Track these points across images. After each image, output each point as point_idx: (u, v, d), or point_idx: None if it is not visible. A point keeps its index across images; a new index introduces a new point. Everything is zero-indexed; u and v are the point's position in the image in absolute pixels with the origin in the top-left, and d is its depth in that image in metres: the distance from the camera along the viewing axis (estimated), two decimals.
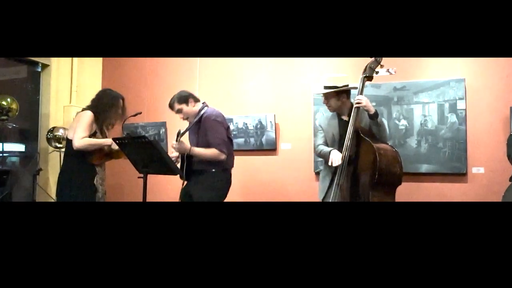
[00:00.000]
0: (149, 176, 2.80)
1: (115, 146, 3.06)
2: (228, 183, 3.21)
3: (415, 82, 3.71)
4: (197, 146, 3.10)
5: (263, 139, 4.23)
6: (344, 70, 3.61)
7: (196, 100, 3.22)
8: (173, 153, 3.15)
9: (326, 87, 3.03)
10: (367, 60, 2.93)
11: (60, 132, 4.44)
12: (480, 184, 3.50)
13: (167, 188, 4.29)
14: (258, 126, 4.25)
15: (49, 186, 4.60)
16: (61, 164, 3.33)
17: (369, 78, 2.94)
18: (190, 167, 3.10)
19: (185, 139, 3.11)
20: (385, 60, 2.92)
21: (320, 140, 3.13)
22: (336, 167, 2.88)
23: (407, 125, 3.71)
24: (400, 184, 2.88)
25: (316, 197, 3.17)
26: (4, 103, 4.12)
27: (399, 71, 3.17)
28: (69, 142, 3.16)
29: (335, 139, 3.04)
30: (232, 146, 3.29)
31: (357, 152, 2.86)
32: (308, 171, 4.05)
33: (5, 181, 4.11)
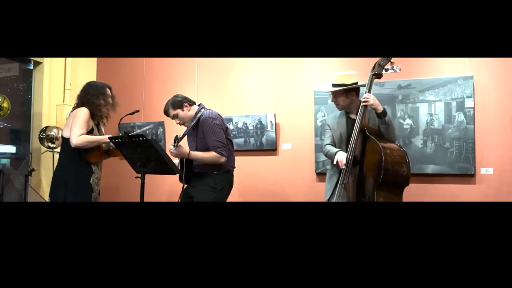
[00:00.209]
0: (146, 176, 2.77)
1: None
2: (230, 185, 3.19)
3: (421, 80, 3.65)
4: (196, 150, 3.08)
5: (263, 139, 4.18)
6: (348, 67, 3.57)
7: (191, 103, 3.19)
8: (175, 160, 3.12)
9: (334, 85, 3.00)
10: (374, 58, 2.89)
11: (53, 132, 4.37)
12: (489, 185, 3.43)
13: (166, 189, 4.29)
14: (258, 126, 4.19)
15: (41, 188, 4.54)
16: (56, 162, 3.29)
17: (378, 75, 2.91)
18: (190, 171, 3.07)
19: (184, 143, 3.09)
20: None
21: (327, 140, 3.12)
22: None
23: (413, 124, 3.66)
24: (407, 185, 2.82)
25: (318, 198, 3.17)
26: None
27: (404, 68, 3.11)
28: (65, 140, 3.11)
29: (343, 138, 3.02)
30: (232, 147, 3.27)
31: (363, 152, 2.82)
32: (309, 172, 4.01)
33: None
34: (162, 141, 4.52)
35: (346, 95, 3.00)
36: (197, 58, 4.51)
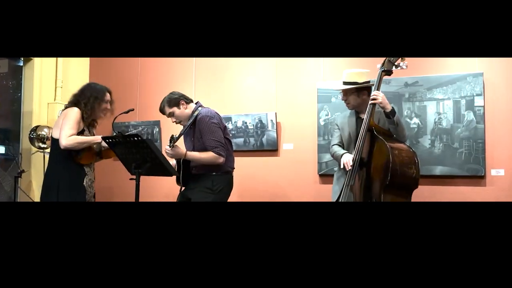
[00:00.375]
0: (142, 178, 2.70)
1: (105, 145, 2.99)
2: (229, 186, 3.15)
3: (429, 77, 3.59)
4: (194, 150, 3.05)
5: (264, 139, 4.14)
6: (353, 64, 3.53)
7: (188, 101, 3.15)
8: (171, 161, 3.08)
9: (345, 83, 2.98)
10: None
11: (44, 131, 4.35)
12: (500, 187, 3.38)
13: (162, 191, 4.25)
14: (259, 125, 4.15)
15: (32, 190, 4.50)
16: (46, 165, 3.27)
17: (388, 72, 2.86)
18: (188, 172, 3.05)
19: (181, 143, 3.05)
20: None
21: (335, 140, 3.10)
22: None
23: (420, 123, 3.60)
24: (416, 187, 2.79)
25: (321, 201, 3.18)
26: None
27: (410, 64, 3.06)
28: (54, 141, 3.06)
29: (352, 138, 3.00)
30: (231, 147, 3.24)
31: (371, 152, 2.80)
32: (312, 173, 3.97)
33: None
34: (158, 141, 4.50)
35: (357, 94, 2.98)
36: None
